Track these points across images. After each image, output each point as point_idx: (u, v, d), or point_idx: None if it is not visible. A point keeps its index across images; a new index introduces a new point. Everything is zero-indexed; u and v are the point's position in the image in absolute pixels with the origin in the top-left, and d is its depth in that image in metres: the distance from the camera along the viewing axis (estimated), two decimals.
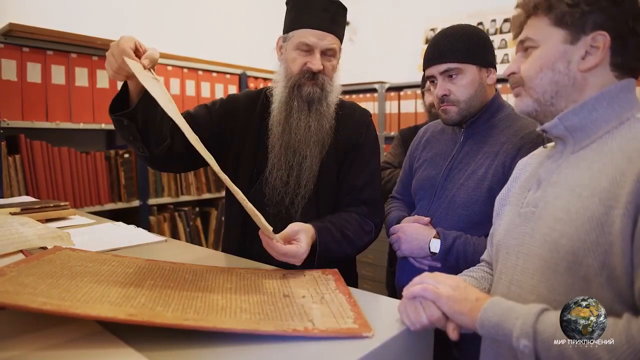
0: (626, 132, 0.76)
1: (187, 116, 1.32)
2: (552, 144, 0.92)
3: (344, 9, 1.35)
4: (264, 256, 1.17)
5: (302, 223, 1.15)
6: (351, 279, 1.40)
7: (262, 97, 1.42)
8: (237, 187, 1.29)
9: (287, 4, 1.37)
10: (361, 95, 3.76)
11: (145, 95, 1.12)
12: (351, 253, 1.32)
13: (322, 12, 1.29)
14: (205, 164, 1.21)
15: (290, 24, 1.34)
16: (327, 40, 1.29)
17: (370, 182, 1.38)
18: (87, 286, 0.79)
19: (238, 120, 1.40)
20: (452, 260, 1.20)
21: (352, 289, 0.99)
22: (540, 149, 0.98)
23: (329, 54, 1.31)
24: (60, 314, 0.66)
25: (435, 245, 1.24)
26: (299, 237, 1.11)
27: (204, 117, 1.37)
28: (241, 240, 1.36)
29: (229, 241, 1.43)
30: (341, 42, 1.36)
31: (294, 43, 1.30)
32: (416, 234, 1.28)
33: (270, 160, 1.33)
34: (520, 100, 0.88)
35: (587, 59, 0.80)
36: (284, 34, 1.36)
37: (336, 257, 1.24)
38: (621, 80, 0.81)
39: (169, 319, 0.70)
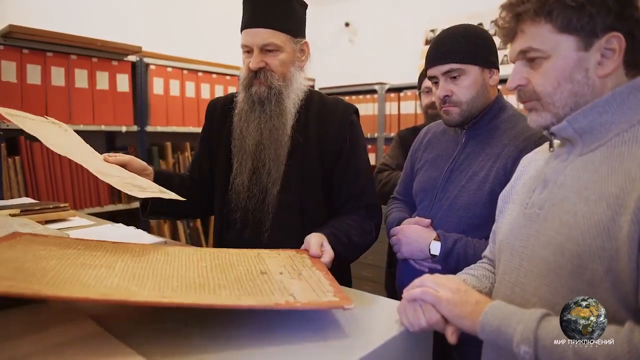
0: (636, 136, 0.74)
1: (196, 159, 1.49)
2: (557, 142, 0.90)
3: None
4: (237, 244, 1.21)
5: (314, 233, 1.15)
6: (345, 279, 1.41)
7: (236, 98, 1.40)
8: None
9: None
10: (361, 96, 3.76)
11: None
12: (357, 256, 1.34)
13: (252, 9, 1.26)
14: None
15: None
16: (260, 36, 1.24)
17: (367, 187, 1.38)
18: (54, 269, 0.75)
19: (214, 127, 1.42)
20: (453, 263, 1.20)
21: (351, 290, 0.99)
22: (546, 145, 0.95)
23: (270, 48, 1.25)
24: (29, 296, 0.63)
25: (436, 248, 1.23)
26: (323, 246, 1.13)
27: (202, 146, 1.47)
28: (219, 230, 1.38)
29: (214, 231, 1.45)
30: (291, 33, 1.28)
31: (241, 45, 1.30)
32: (416, 236, 1.28)
33: (234, 165, 1.34)
34: (538, 115, 0.84)
35: (604, 64, 0.77)
36: None
37: (343, 261, 1.25)
38: (631, 78, 0.79)
39: (146, 297, 0.68)
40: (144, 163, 1.28)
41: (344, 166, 1.35)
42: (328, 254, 1.09)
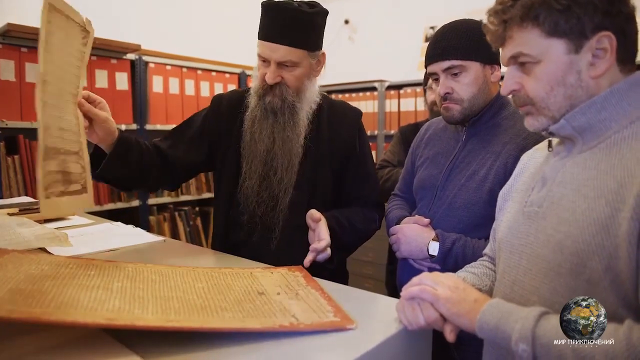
0: (636, 132, 0.73)
1: (184, 128, 1.44)
2: (556, 140, 0.89)
3: (307, 14, 1.26)
4: (245, 247, 1.24)
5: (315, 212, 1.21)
6: (341, 277, 1.42)
7: (246, 98, 1.40)
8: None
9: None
10: (361, 94, 3.76)
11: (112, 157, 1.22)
12: (359, 241, 1.38)
13: (273, 22, 1.24)
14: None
15: (258, 32, 1.31)
16: (279, 52, 1.24)
17: (374, 187, 1.46)
18: (52, 291, 0.72)
19: (221, 123, 1.40)
20: (451, 263, 1.19)
21: (349, 287, 0.99)
22: (546, 143, 0.94)
23: (288, 64, 1.26)
24: (32, 321, 0.61)
25: (434, 248, 1.22)
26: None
27: (196, 128, 1.42)
28: (225, 231, 1.37)
29: (215, 232, 1.43)
30: (309, 48, 1.28)
31: (257, 53, 1.30)
32: (415, 235, 1.27)
33: (243, 168, 1.34)
34: (534, 119, 0.83)
35: (597, 64, 0.76)
36: None
37: (347, 246, 1.31)
38: (627, 73, 0.78)
39: (151, 320, 0.68)
40: (110, 118, 1.22)
41: (355, 170, 1.41)
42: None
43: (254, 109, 1.33)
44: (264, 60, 1.28)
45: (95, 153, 1.25)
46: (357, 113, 1.45)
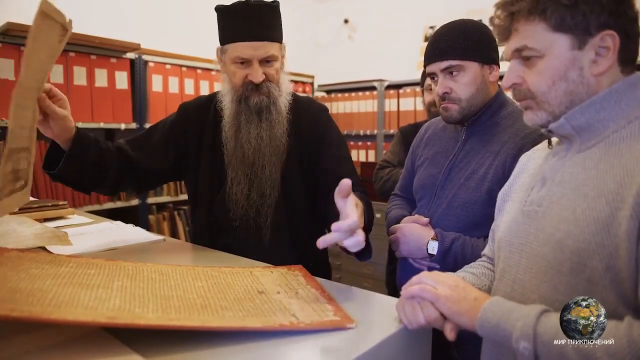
0: (634, 132, 0.74)
1: (148, 134, 1.42)
2: (555, 139, 0.90)
3: (271, 7, 1.28)
4: (231, 250, 1.22)
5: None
6: (324, 271, 1.40)
7: (214, 104, 1.39)
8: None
9: (216, 12, 1.32)
10: (360, 93, 3.76)
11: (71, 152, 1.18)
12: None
13: (248, 21, 1.24)
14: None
15: (223, 37, 1.30)
16: (262, 49, 1.24)
17: (354, 170, 1.37)
18: (52, 290, 0.72)
19: (189, 132, 1.39)
20: (450, 262, 1.19)
21: (349, 287, 0.99)
22: (545, 142, 0.95)
23: (269, 59, 1.27)
24: (32, 320, 0.61)
25: (433, 247, 1.22)
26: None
27: (161, 134, 1.40)
28: (209, 236, 1.36)
29: (198, 238, 1.41)
30: (280, 40, 1.30)
31: (231, 57, 1.27)
32: (414, 235, 1.27)
33: (229, 175, 1.32)
34: (533, 113, 0.84)
35: (599, 62, 0.77)
36: (220, 44, 1.32)
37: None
38: (627, 74, 0.79)
39: (152, 319, 0.68)
40: (68, 117, 1.15)
41: (329, 157, 1.34)
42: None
43: (237, 115, 1.31)
44: (242, 62, 1.26)
45: (51, 150, 1.22)
46: (322, 110, 1.44)
